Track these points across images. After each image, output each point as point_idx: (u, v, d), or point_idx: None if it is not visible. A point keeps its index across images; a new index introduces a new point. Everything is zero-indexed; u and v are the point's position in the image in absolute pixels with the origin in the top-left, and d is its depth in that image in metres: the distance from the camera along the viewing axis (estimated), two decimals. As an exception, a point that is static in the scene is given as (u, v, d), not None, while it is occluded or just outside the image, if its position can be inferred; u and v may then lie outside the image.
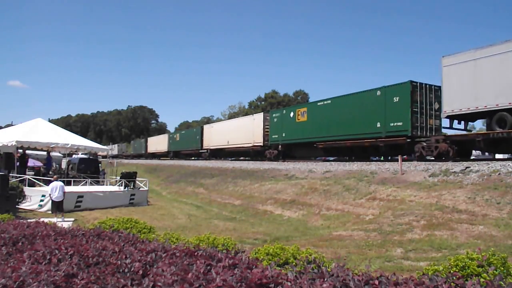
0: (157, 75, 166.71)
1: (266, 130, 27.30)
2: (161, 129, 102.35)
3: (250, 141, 29.10)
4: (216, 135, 35.03)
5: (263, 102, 71.15)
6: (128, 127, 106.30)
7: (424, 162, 15.32)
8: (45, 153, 22.22)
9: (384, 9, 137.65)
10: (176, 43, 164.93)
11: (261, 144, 27.51)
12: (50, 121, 63.68)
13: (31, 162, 21.06)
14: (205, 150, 37.59)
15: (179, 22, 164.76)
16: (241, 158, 34.44)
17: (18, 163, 16.83)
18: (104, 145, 53.28)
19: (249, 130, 29.27)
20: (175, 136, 47.85)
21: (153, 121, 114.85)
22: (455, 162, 14.22)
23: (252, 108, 70.53)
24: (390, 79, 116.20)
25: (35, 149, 19.42)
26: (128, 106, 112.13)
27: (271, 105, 63.65)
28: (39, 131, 17.60)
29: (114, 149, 72.81)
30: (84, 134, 74.26)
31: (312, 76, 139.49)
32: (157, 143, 53.97)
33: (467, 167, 12.08)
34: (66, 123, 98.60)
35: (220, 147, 34.29)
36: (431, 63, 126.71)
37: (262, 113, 29.19)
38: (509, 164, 11.41)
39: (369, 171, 14.98)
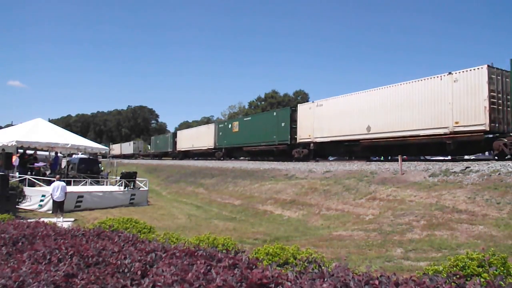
0: (157, 75, 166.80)
1: None
2: (161, 129, 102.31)
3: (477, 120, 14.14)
4: (345, 116, 19.64)
5: (263, 102, 71.11)
6: (128, 127, 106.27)
7: (424, 162, 15.32)
8: (47, 153, 22.24)
9: (385, 9, 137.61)
10: (176, 43, 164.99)
11: None
12: (50, 121, 61.96)
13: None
14: (303, 145, 22.90)
15: (179, 22, 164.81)
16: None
17: (17, 163, 16.84)
18: (104, 145, 51.47)
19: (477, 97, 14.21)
20: (230, 125, 32.41)
21: (153, 121, 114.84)
22: (455, 162, 14.20)
23: (252, 108, 70.50)
24: (390, 79, 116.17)
25: (35, 149, 19.43)
26: (128, 106, 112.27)
27: (271, 105, 63.62)
28: (39, 131, 17.59)
29: (128, 147, 63.79)
30: (84, 134, 71.86)
31: (312, 76, 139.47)
32: (195, 138, 39.30)
33: (467, 167, 12.08)
34: (66, 123, 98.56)
35: (376, 137, 18.22)
36: (431, 64, 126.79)
37: None
38: (509, 164, 11.41)
39: (369, 171, 14.98)
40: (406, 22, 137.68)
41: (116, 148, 70.79)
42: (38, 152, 21.85)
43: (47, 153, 22.45)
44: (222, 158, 33.74)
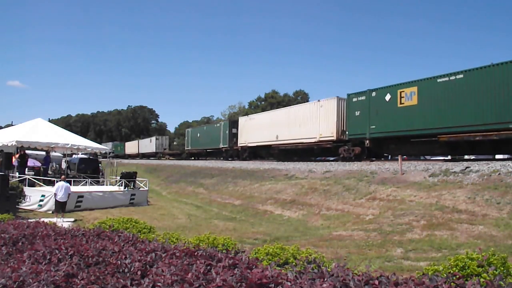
0: (157, 75, 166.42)
1: None
2: (161, 129, 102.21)
3: None
4: None
5: (263, 102, 71.10)
6: (128, 127, 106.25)
7: (424, 162, 15.30)
8: (45, 153, 22.24)
9: (384, 11, 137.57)
10: (176, 43, 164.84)
11: None
12: (50, 121, 59.95)
13: (31, 162, 21.06)
14: None
15: (179, 22, 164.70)
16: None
17: (17, 163, 16.84)
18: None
19: None
20: (389, 95, 17.82)
21: (153, 121, 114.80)
22: (455, 162, 14.20)
23: (252, 108, 70.49)
24: (388, 80, 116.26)
25: (35, 149, 19.43)
26: (128, 106, 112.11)
27: (271, 105, 63.54)
28: (39, 131, 17.60)
29: (149, 145, 51.70)
30: (84, 134, 68.31)
31: (312, 76, 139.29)
32: (284, 124, 24.64)
33: (467, 167, 12.08)
34: (66, 123, 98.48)
35: None
36: (430, 65, 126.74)
37: None
38: (509, 164, 11.42)
39: (369, 171, 14.98)
40: (404, 24, 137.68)
41: (132, 147, 60.10)
42: (38, 152, 21.87)
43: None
44: (362, 158, 19.11)
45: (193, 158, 41.05)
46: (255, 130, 28.38)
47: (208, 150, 36.62)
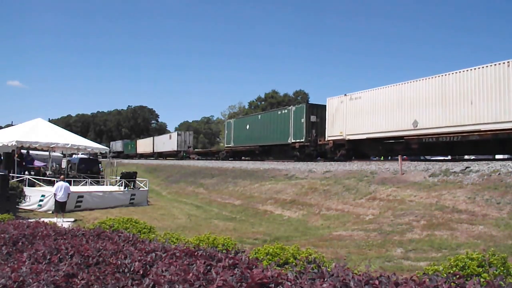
0: (157, 76, 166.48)
1: None
2: (161, 129, 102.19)
3: None
4: None
5: (263, 102, 71.09)
6: (128, 127, 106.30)
7: (424, 162, 15.29)
8: (46, 153, 22.23)
9: (381, 14, 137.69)
10: (176, 43, 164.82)
11: None
12: (50, 121, 59.33)
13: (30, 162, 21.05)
14: None
15: (179, 23, 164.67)
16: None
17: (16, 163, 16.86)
18: (104, 145, 48.33)
19: None
20: None
21: (153, 121, 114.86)
22: (455, 162, 14.19)
23: (252, 108, 70.46)
24: (387, 80, 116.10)
25: (35, 149, 19.44)
26: (128, 106, 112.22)
27: (271, 105, 63.48)
28: (39, 131, 17.61)
29: (168, 142, 42.90)
30: (84, 134, 67.33)
31: (312, 76, 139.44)
32: (432, 102, 15.36)
33: (467, 167, 12.08)
34: (66, 123, 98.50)
35: None
36: (430, 67, 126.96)
37: None
38: (509, 164, 11.41)
39: (369, 171, 14.98)
40: (401, 27, 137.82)
41: (145, 145, 51.12)
42: (38, 152, 21.86)
43: (47, 153, 22.49)
44: None
45: (233, 158, 30.61)
46: (362, 115, 18.79)
47: (265, 147, 26.61)
